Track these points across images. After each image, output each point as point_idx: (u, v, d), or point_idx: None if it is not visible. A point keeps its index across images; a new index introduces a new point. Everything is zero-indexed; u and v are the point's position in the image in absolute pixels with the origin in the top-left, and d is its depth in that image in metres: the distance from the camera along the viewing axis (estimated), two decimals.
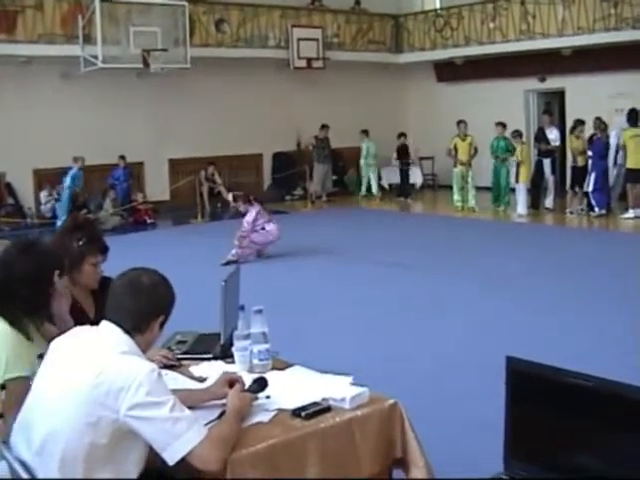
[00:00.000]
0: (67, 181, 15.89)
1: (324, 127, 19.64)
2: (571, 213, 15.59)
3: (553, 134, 16.18)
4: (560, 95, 19.53)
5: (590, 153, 15.23)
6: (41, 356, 3.05)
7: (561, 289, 9.21)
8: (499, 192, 16.83)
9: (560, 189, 17.35)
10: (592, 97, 17.20)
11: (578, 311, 8.19)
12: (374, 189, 20.04)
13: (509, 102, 19.18)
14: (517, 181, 15.94)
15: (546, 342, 6.88)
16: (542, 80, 19.55)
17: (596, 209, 15.11)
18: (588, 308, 8.29)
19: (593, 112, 15.70)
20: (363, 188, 20.36)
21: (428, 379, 6.17)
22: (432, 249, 12.41)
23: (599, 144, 15.22)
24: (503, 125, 16.60)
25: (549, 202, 16.27)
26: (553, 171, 16.31)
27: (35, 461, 2.59)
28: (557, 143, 16.20)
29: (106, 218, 16.04)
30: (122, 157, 17.21)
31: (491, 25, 19.24)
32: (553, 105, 20.34)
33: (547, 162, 16.08)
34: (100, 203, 16.60)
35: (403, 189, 19.73)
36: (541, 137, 16.11)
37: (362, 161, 20.20)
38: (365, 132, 19.96)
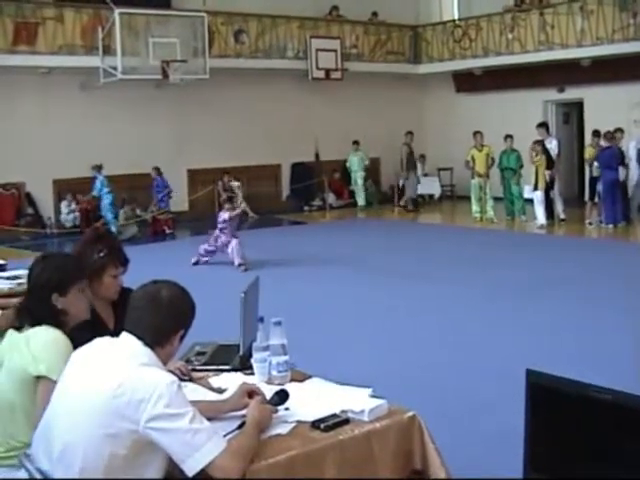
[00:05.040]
0: (101, 189, 16.19)
1: (409, 133, 19.43)
2: (590, 224, 15.52)
3: (552, 144, 16.10)
4: (579, 105, 19.48)
5: (596, 164, 15.14)
6: None
7: (578, 301, 9.16)
8: (512, 203, 16.81)
9: (579, 200, 17.20)
10: (611, 107, 17.14)
11: (594, 324, 8.14)
12: (361, 201, 20.13)
13: (528, 113, 19.08)
14: (536, 188, 15.80)
15: (565, 354, 6.87)
16: (561, 90, 19.51)
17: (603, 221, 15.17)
18: (604, 321, 8.21)
19: (612, 122, 15.63)
20: (361, 199, 20.32)
21: (445, 389, 6.15)
22: (450, 260, 12.36)
23: (605, 155, 15.06)
24: (511, 137, 16.59)
25: (560, 212, 16.19)
26: (553, 182, 16.09)
27: (54, 471, 2.59)
28: (556, 151, 16.08)
29: (124, 228, 16.12)
30: (156, 169, 17.16)
31: (509, 36, 19.23)
32: (572, 115, 20.30)
33: (547, 173, 15.93)
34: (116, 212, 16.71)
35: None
36: (543, 150, 15.93)
37: (355, 174, 20.09)
38: (356, 143, 19.90)
